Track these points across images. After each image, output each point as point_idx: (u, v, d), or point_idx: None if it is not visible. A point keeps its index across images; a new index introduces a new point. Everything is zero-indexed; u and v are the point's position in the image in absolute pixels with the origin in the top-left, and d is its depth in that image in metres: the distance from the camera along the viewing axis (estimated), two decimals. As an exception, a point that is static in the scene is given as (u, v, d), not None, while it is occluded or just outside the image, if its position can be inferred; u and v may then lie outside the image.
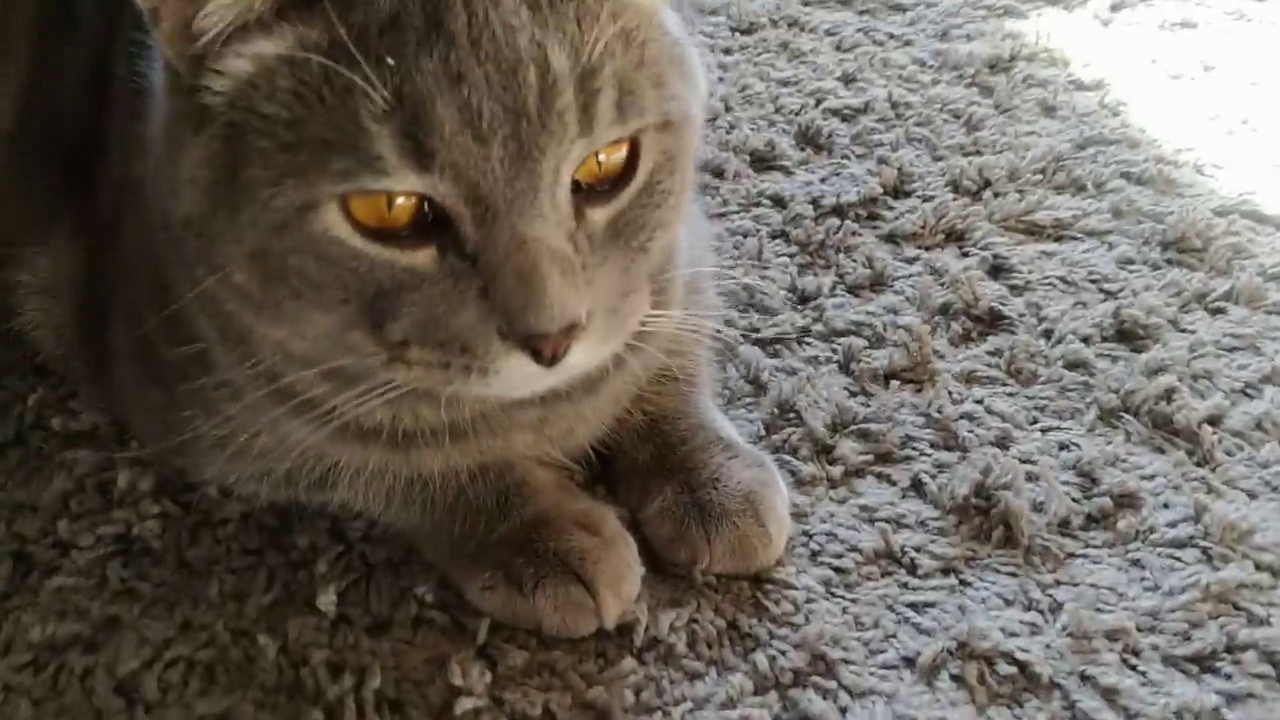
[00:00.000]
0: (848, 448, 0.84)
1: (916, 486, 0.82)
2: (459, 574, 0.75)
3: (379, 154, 0.53)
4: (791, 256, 1.03)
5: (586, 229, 0.59)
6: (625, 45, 0.58)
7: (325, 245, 0.56)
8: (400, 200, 0.55)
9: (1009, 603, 0.74)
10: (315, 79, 0.54)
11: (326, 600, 0.74)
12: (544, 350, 0.57)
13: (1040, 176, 1.11)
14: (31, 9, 0.84)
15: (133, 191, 0.76)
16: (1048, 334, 0.94)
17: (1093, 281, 0.99)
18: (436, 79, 0.53)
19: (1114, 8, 1.40)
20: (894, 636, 0.73)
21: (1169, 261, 1.00)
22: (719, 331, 0.86)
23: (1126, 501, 0.80)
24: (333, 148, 0.53)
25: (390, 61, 0.53)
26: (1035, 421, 0.87)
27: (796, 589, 0.75)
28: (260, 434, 0.72)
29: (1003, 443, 0.84)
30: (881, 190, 1.10)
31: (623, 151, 0.59)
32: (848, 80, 1.28)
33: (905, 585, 0.75)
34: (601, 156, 0.59)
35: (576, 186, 0.58)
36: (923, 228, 1.05)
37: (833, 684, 0.70)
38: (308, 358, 0.63)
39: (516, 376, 0.59)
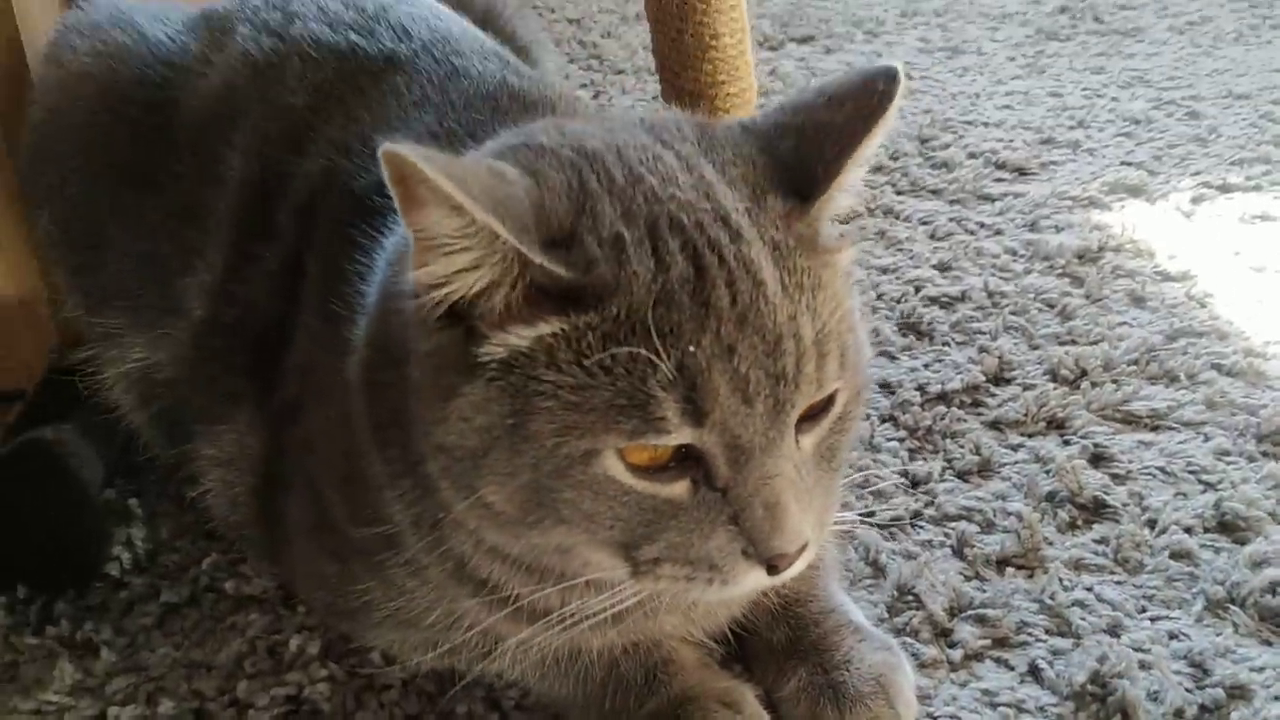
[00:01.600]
0: (966, 632, 0.89)
1: (1034, 672, 0.86)
2: (609, 745, 0.80)
3: (663, 415, 0.62)
4: (901, 441, 1.10)
5: (800, 455, 0.67)
6: (839, 312, 0.67)
7: (603, 484, 0.64)
8: (683, 442, 0.64)
9: (1130, 791, 0.78)
10: (595, 351, 0.62)
11: (487, 766, 0.79)
12: (781, 566, 0.66)
13: (1134, 367, 1.17)
14: (233, 215, 0.94)
15: (321, 383, 0.85)
16: (1151, 524, 0.99)
17: (1191, 472, 1.04)
18: (712, 352, 0.62)
19: (1195, 200, 1.48)
20: (1020, 821, 0.77)
21: (1264, 454, 1.05)
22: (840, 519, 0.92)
23: (1238, 693, 0.83)
24: (621, 410, 0.62)
25: (671, 337, 0.61)
26: (1144, 610, 0.91)
27: (926, 770, 0.79)
28: (435, 609, 0.79)
29: (1114, 630, 0.89)
30: (984, 378, 1.17)
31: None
32: (943, 268, 1.36)
33: (1028, 770, 0.80)
34: None
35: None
36: (1025, 415, 1.11)
37: None
38: (529, 565, 0.71)
39: (749, 585, 0.68)
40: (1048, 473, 1.04)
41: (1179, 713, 0.82)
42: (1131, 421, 1.11)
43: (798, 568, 0.68)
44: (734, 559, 0.66)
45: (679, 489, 0.65)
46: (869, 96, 0.68)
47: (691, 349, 0.62)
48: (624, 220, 0.65)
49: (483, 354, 0.64)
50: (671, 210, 0.66)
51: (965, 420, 1.12)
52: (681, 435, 0.63)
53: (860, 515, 1.00)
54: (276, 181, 0.93)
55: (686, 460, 0.65)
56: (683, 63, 1.13)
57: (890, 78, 0.68)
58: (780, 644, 0.84)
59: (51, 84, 1.03)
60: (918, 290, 1.31)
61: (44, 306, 1.19)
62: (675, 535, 0.66)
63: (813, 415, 0.68)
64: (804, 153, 0.68)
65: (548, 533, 0.67)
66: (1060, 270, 1.35)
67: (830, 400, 0.68)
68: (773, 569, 0.66)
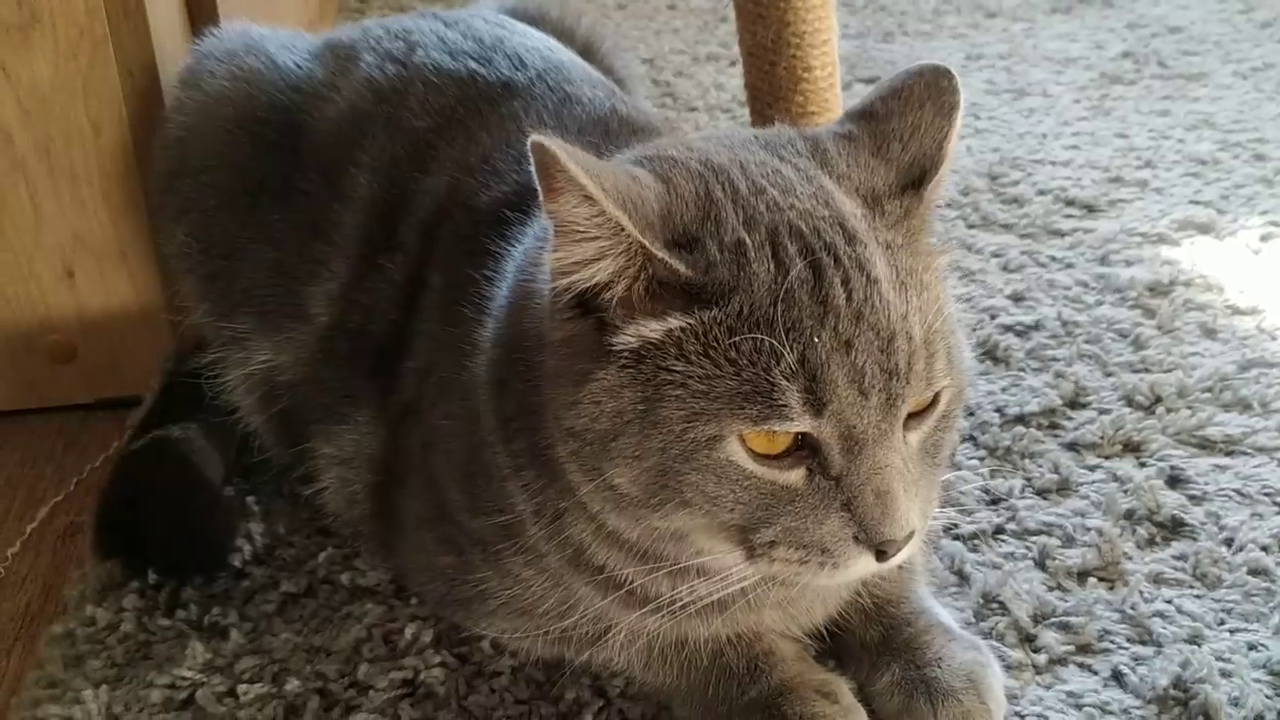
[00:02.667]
0: (1050, 638, 0.93)
1: (1117, 677, 0.90)
2: (711, 732, 0.85)
3: (786, 404, 0.67)
4: (981, 460, 1.14)
5: (908, 450, 0.72)
6: (944, 312, 0.72)
7: (726, 468, 0.69)
8: (800, 430, 0.69)
9: (1214, 790, 0.81)
10: (722, 343, 0.68)
11: (596, 748, 0.84)
12: (889, 553, 0.70)
13: (1208, 395, 1.20)
14: (359, 229, 1.01)
15: (441, 385, 0.91)
16: (1228, 542, 1.02)
17: (1266, 495, 1.07)
18: (831, 346, 0.67)
19: (1263, 238, 1.52)
20: (1108, 814, 0.80)
21: (1338, 479, 1.09)
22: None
23: (1317, 702, 0.86)
24: (746, 398, 0.67)
25: (793, 332, 0.67)
26: (1223, 623, 0.94)
27: (1015, 764, 0.83)
28: (549, 597, 0.84)
29: (1195, 640, 0.92)
30: (1060, 402, 1.20)
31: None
32: (1017, 299, 1.40)
33: (1114, 768, 0.83)
34: None
35: None
36: (1102, 438, 1.15)
37: None
38: (646, 550, 0.77)
39: (858, 571, 0.72)
40: (1126, 492, 1.08)
41: (1260, 718, 0.85)
42: (1206, 446, 1.14)
43: (904, 555, 0.72)
44: (845, 544, 0.70)
45: (795, 476, 0.70)
46: (941, 94, 0.77)
47: (814, 342, 0.67)
48: (746, 227, 0.70)
49: (616, 343, 0.70)
50: (791, 218, 0.71)
51: (1043, 441, 1.16)
52: (802, 423, 0.68)
53: (944, 526, 1.04)
54: (401, 198, 1.00)
55: (803, 449, 0.70)
56: (775, 94, 1.19)
57: (947, 74, 0.77)
58: (874, 642, 0.89)
59: (190, 106, 1.10)
60: (993, 318, 1.36)
61: (163, 317, 1.27)
62: (791, 520, 0.70)
63: (919, 413, 0.73)
64: (913, 153, 0.76)
65: (669, 516, 0.72)
66: (1132, 302, 1.38)
67: (935, 399, 0.73)
68: (881, 555, 0.71)
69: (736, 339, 0.67)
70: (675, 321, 0.69)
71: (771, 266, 0.69)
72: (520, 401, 0.79)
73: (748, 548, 0.72)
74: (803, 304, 0.68)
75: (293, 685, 0.90)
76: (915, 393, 0.70)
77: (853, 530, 0.70)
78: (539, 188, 0.68)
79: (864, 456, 0.69)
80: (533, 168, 0.67)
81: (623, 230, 0.67)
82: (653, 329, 0.69)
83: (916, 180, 0.75)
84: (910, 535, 0.71)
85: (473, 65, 1.04)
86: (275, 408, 1.06)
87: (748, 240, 0.70)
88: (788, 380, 0.67)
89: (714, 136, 0.80)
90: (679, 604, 0.78)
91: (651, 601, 0.80)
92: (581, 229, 0.68)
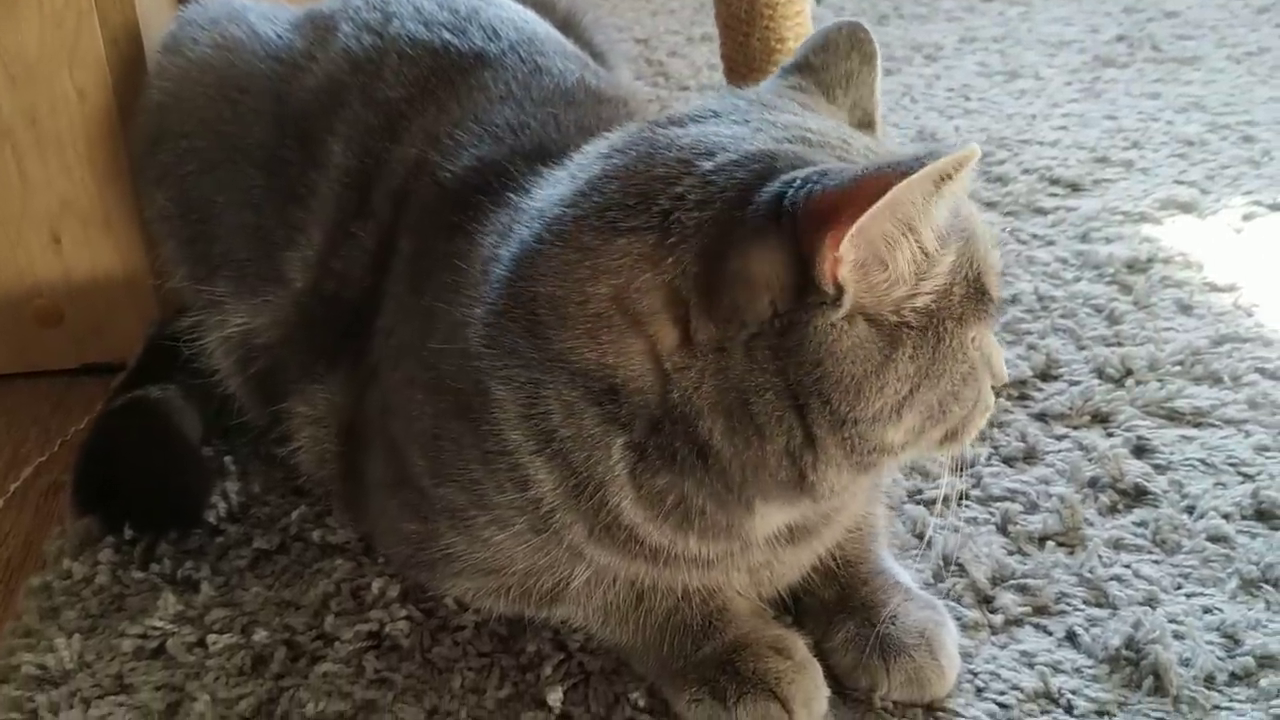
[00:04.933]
0: (1008, 599, 0.94)
1: (1071, 637, 0.91)
2: (667, 687, 0.86)
3: (995, 297, 0.77)
4: (949, 427, 1.14)
5: None
6: None
7: (971, 368, 0.76)
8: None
9: (1160, 746, 0.82)
10: (965, 265, 0.75)
11: (555, 697, 0.85)
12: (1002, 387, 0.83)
13: (1179, 368, 1.21)
14: (334, 196, 1.02)
15: (400, 347, 0.92)
16: (1190, 509, 1.03)
17: (1231, 465, 1.08)
18: (994, 257, 0.78)
19: (1246, 218, 1.52)
20: (1054, 769, 0.81)
21: (1304, 451, 1.09)
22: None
23: (1268, 662, 0.87)
24: (978, 301, 0.76)
25: (977, 240, 0.76)
26: (1180, 587, 0.95)
27: (964, 718, 0.84)
28: (521, 560, 0.85)
29: (1150, 603, 0.93)
30: (1031, 373, 1.21)
31: None
32: (996, 274, 1.41)
33: (1063, 724, 0.84)
34: None
35: None
36: (1070, 409, 1.16)
37: (999, 806, 0.79)
38: (844, 489, 0.79)
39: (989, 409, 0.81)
40: (1090, 461, 1.09)
41: (1210, 678, 0.86)
42: (1174, 418, 1.15)
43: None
44: (989, 395, 0.80)
45: (976, 352, 0.77)
46: (861, 45, 0.86)
47: (984, 242, 0.76)
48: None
49: (909, 314, 0.73)
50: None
51: (1012, 411, 1.17)
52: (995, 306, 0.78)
53: (908, 493, 1.06)
54: (374, 167, 1.01)
55: None
56: (749, 65, 1.20)
57: (862, 28, 0.86)
58: (831, 600, 0.90)
59: (172, 72, 1.12)
60: (970, 293, 1.36)
61: (148, 282, 1.29)
62: (979, 389, 0.78)
63: None
64: (853, 98, 0.85)
65: (921, 444, 0.78)
66: (1109, 279, 1.39)
67: None
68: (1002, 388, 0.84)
69: (963, 255, 0.74)
70: (948, 259, 0.73)
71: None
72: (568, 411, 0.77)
73: (952, 437, 0.79)
74: (966, 217, 0.75)
75: (260, 636, 0.92)
76: None
77: (991, 381, 0.79)
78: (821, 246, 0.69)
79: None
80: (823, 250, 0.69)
81: (947, 182, 0.70)
82: (938, 277, 0.73)
83: (863, 122, 0.83)
84: None
85: (447, 36, 1.06)
86: (252, 370, 1.08)
87: None
88: (989, 274, 0.76)
89: (718, 113, 0.81)
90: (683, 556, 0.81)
91: (664, 554, 0.81)
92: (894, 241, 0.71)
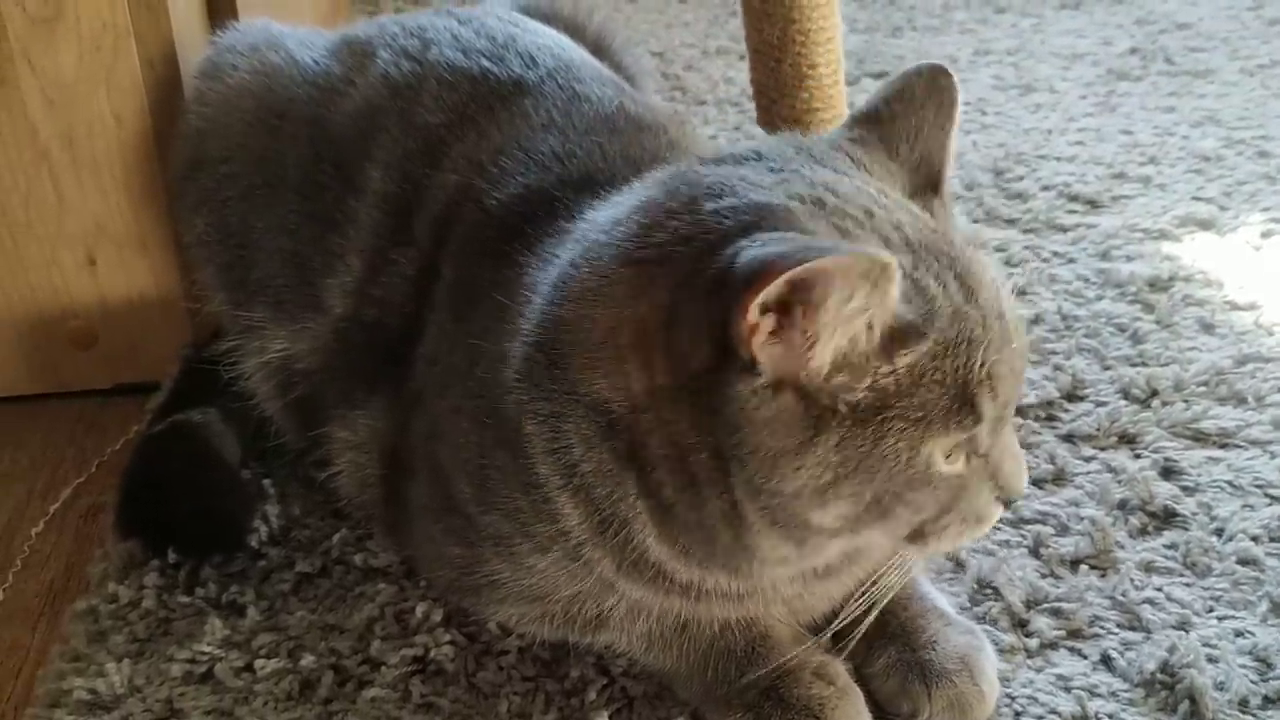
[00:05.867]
0: (1042, 623, 0.95)
1: (1106, 661, 0.92)
2: (711, 712, 0.87)
3: (982, 410, 0.72)
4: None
5: None
6: None
7: (930, 477, 0.73)
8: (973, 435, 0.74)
9: (1197, 769, 0.84)
10: (930, 369, 0.71)
11: (601, 722, 0.87)
12: (1015, 501, 0.80)
13: (1204, 388, 1.23)
14: (373, 223, 1.03)
15: (445, 376, 0.93)
16: (1219, 532, 1.04)
17: (1258, 486, 1.09)
18: (1000, 367, 0.73)
19: (1264, 235, 1.54)
20: (1094, 793, 0.83)
21: (1330, 472, 1.11)
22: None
23: (1301, 687, 0.89)
24: (955, 414, 0.72)
25: (974, 344, 0.72)
26: (1211, 610, 0.97)
27: (1005, 744, 0.86)
28: (566, 587, 0.86)
29: (1183, 626, 0.95)
30: (1058, 394, 1.23)
31: None
32: (1019, 293, 1.42)
33: (1101, 748, 0.86)
34: None
35: None
36: (1098, 430, 1.17)
37: (1041, 830, 0.80)
38: (786, 559, 0.79)
39: (993, 522, 0.80)
40: (1120, 483, 1.10)
41: (1244, 702, 0.88)
42: (1201, 439, 1.16)
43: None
44: (990, 505, 0.78)
45: (960, 463, 0.75)
46: (941, 92, 0.80)
47: (988, 346, 0.72)
48: (893, 249, 0.71)
49: (841, 405, 0.70)
50: (911, 236, 0.73)
51: (1040, 433, 1.18)
52: (986, 425, 0.73)
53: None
54: (414, 193, 1.02)
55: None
56: (780, 91, 1.22)
57: (945, 72, 0.80)
58: (871, 626, 0.91)
59: (211, 97, 1.13)
60: (994, 312, 1.38)
61: (182, 305, 1.30)
62: (962, 500, 0.76)
63: None
64: (920, 153, 0.80)
65: (862, 534, 0.76)
66: (1131, 297, 1.41)
67: None
68: (1009, 506, 0.80)
69: (940, 361, 0.71)
70: (904, 360, 0.70)
71: (932, 283, 0.71)
72: (587, 445, 0.77)
73: (918, 537, 0.77)
74: (969, 314, 0.72)
75: (307, 661, 0.94)
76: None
77: (996, 493, 0.78)
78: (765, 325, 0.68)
79: (1001, 431, 0.76)
80: (764, 299, 0.66)
81: (869, 278, 0.66)
82: (884, 375, 0.70)
83: (928, 181, 0.80)
84: None
85: (485, 63, 1.07)
86: (291, 395, 1.09)
87: (907, 266, 0.71)
88: (981, 388, 0.72)
89: (761, 155, 0.80)
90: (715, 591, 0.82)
91: (694, 589, 0.82)
92: (842, 316, 0.68)
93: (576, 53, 1.14)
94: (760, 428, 0.71)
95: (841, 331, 0.68)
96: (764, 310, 0.67)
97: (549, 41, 1.12)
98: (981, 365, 0.71)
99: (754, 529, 0.75)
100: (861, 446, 0.71)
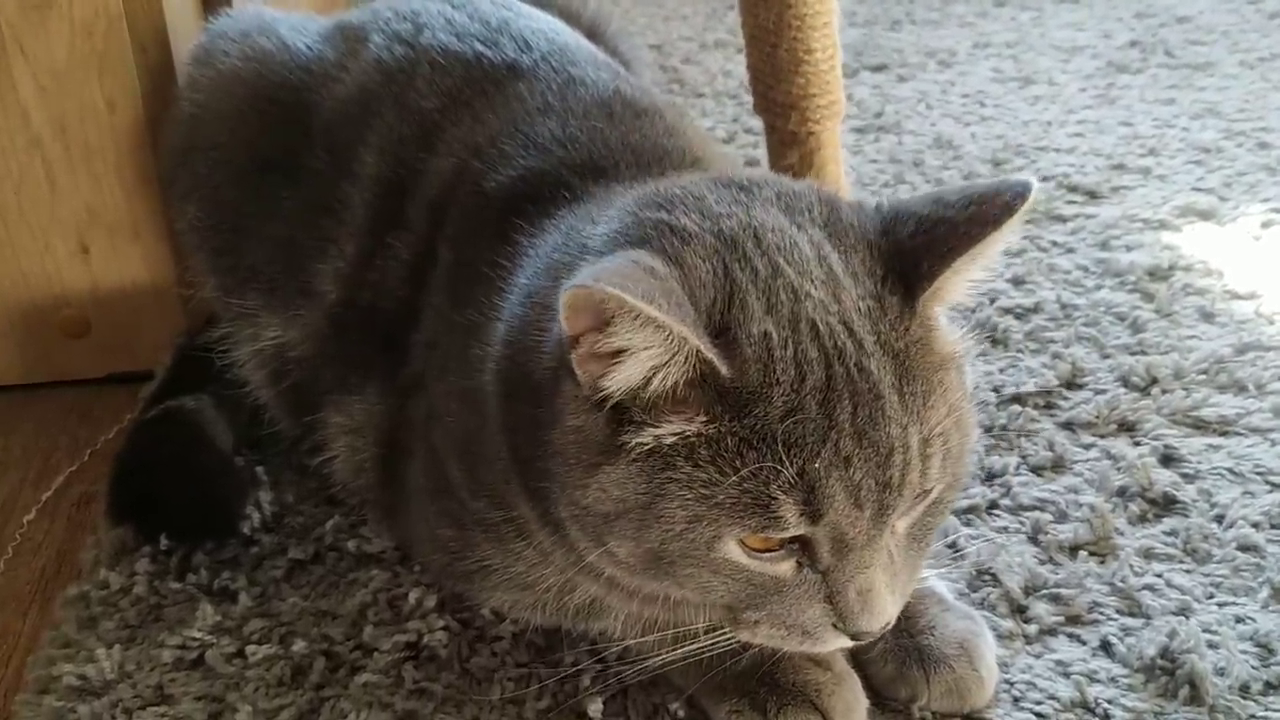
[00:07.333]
0: (1041, 609, 0.95)
1: (1106, 647, 0.91)
2: (707, 699, 0.86)
3: (782, 515, 0.67)
4: (977, 437, 1.15)
5: (895, 539, 0.73)
6: (949, 414, 0.71)
7: (720, 564, 0.70)
8: (798, 534, 0.70)
9: (1197, 755, 0.83)
10: (730, 453, 0.67)
11: (595, 708, 0.86)
12: (864, 640, 0.74)
13: (1204, 376, 1.22)
14: (367, 207, 1.02)
15: (444, 360, 0.92)
16: (1219, 519, 1.03)
17: (1259, 473, 1.08)
18: (831, 463, 0.67)
19: (1264, 225, 1.53)
20: (1093, 778, 0.82)
21: (1331, 459, 1.10)
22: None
23: (1303, 673, 0.88)
24: (746, 508, 0.67)
25: (797, 447, 0.67)
26: (1212, 596, 0.96)
27: (1003, 729, 0.85)
28: (551, 577, 0.85)
29: (1183, 612, 0.94)
30: (1057, 382, 1.22)
31: None
32: (1017, 282, 1.42)
33: (1100, 733, 0.85)
34: None
35: None
36: (1097, 418, 1.16)
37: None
38: (651, 597, 0.78)
39: (833, 648, 0.76)
40: (1119, 470, 1.09)
41: (1245, 687, 0.87)
42: (1201, 426, 1.16)
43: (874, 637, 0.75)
44: (825, 629, 0.73)
45: (785, 568, 0.71)
46: (994, 201, 0.71)
47: (815, 457, 0.66)
48: (770, 317, 0.68)
49: (631, 441, 0.69)
50: (808, 310, 0.69)
51: (1039, 420, 1.17)
52: (798, 530, 0.69)
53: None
54: (408, 177, 1.02)
55: (794, 543, 0.70)
56: (776, 76, 1.21)
57: (1019, 191, 0.71)
58: (868, 613, 0.90)
59: (203, 83, 1.13)
60: (993, 301, 1.37)
61: (175, 293, 1.29)
62: (777, 605, 0.72)
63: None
64: (918, 243, 0.71)
65: (665, 587, 0.74)
66: (1131, 286, 1.40)
67: (927, 489, 0.73)
68: (857, 639, 0.74)
69: (744, 449, 0.67)
70: (697, 425, 0.67)
71: (793, 371, 0.67)
72: (526, 428, 0.77)
73: (734, 620, 0.75)
74: (811, 416, 0.67)
75: (299, 647, 0.93)
76: (908, 501, 0.70)
77: (833, 619, 0.72)
78: (568, 325, 0.67)
79: (851, 558, 0.70)
80: (566, 310, 0.66)
81: (676, 338, 0.65)
82: (672, 431, 0.68)
83: (913, 281, 0.71)
84: (888, 624, 0.73)
85: (479, 47, 1.06)
86: (285, 382, 1.09)
87: (773, 333, 0.68)
88: (785, 494, 0.67)
89: (729, 183, 0.78)
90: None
91: (646, 596, 0.80)
92: (633, 348, 0.66)
93: (571, 36, 1.13)
94: (568, 433, 0.71)
95: (631, 366, 0.66)
96: (583, 325, 0.66)
97: (543, 25, 1.11)
98: (801, 477, 0.66)
99: (572, 535, 0.75)
100: (640, 494, 0.69)
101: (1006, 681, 0.88)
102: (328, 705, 0.88)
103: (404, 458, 0.98)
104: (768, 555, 0.70)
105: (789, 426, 0.67)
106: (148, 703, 0.89)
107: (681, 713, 0.86)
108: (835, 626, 0.72)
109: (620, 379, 0.68)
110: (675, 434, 0.68)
